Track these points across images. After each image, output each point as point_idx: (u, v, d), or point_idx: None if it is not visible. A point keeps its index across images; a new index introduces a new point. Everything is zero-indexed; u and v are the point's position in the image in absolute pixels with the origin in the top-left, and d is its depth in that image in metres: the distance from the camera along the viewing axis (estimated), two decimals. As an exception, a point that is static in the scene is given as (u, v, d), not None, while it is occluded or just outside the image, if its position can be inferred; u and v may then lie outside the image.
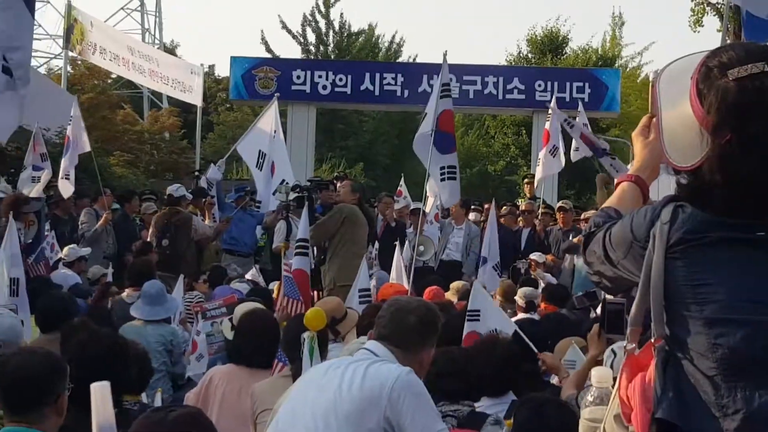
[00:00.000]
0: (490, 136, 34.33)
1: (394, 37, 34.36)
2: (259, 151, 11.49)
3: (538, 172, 13.06)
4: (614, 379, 2.17)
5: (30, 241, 8.99)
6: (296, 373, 4.17)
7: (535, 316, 7.13)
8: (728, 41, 12.03)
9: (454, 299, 8.07)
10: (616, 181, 2.37)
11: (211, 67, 38.59)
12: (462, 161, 9.07)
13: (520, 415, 3.55)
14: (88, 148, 12.03)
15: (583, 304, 6.46)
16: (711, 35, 24.99)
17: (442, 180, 8.82)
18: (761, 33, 9.27)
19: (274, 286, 8.28)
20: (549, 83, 19.97)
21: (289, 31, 32.27)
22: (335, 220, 8.85)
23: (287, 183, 10.87)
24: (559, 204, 12.62)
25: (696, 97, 1.94)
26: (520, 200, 14.56)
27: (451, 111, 8.78)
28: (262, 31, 49.79)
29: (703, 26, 23.65)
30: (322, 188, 10.23)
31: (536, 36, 33.53)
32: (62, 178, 11.42)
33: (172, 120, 29.23)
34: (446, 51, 8.94)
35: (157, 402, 5.13)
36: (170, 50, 38.06)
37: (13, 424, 3.16)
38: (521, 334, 5.15)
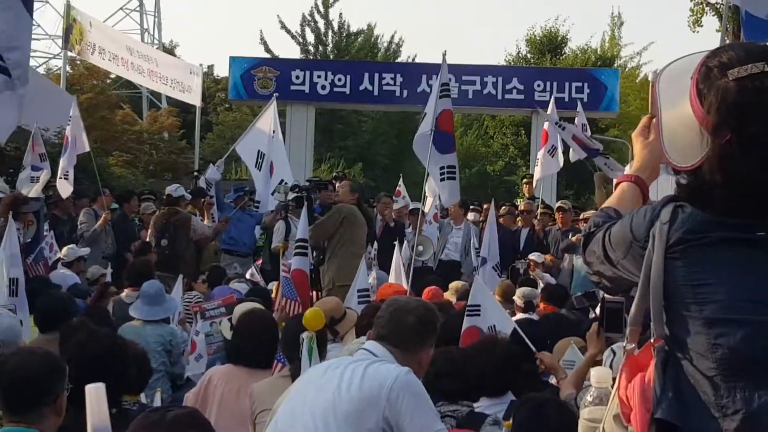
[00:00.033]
0: (489, 136, 34.34)
1: (393, 37, 34.41)
2: (258, 151, 11.49)
3: (537, 172, 13.07)
4: (613, 379, 2.17)
5: (29, 240, 8.99)
6: (295, 373, 4.17)
7: (534, 316, 7.12)
8: (727, 41, 12.04)
9: (453, 299, 8.06)
10: (615, 181, 2.37)
11: (210, 67, 38.70)
12: (461, 161, 9.09)
13: (520, 416, 3.55)
14: (87, 148, 12.03)
15: (583, 304, 6.47)
16: (710, 35, 25.02)
17: (442, 180, 8.81)
18: (760, 33, 9.27)
19: (273, 286, 8.28)
20: (548, 83, 19.98)
21: (288, 32, 32.28)
22: (334, 220, 8.84)
23: (286, 183, 10.87)
24: (558, 204, 12.63)
25: (696, 97, 1.94)
26: (518, 200, 14.56)
27: (450, 111, 8.77)
28: (261, 31, 50.06)
29: (702, 26, 23.67)
30: (321, 188, 10.23)
31: (535, 36, 33.55)
32: (61, 178, 11.42)
33: (171, 120, 29.25)
34: (445, 51, 8.94)
35: (157, 402, 5.12)
36: (169, 50, 38.07)
37: (12, 424, 3.15)
38: (520, 332, 5.15)
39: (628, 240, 2.04)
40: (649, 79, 24.31)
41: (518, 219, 12.38)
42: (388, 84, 20.46)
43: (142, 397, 4.74)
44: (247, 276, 9.83)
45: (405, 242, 10.94)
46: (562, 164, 13.02)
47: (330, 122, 29.65)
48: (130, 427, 2.65)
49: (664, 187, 2.40)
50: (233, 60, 21.01)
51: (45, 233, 10.11)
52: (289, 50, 41.08)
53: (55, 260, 9.85)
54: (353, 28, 33.09)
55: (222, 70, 39.74)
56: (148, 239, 10.71)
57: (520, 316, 7.34)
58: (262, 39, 32.79)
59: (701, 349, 1.90)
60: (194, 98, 24.40)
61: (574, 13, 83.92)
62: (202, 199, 12.00)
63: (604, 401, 2.19)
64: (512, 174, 31.79)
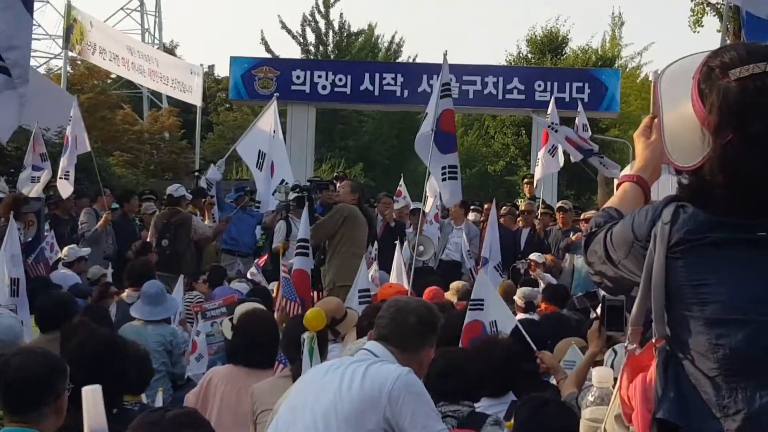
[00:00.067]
0: (489, 136, 34.33)
1: (393, 37, 34.39)
2: (259, 151, 11.49)
3: (537, 172, 13.06)
4: (615, 379, 2.17)
5: (29, 239, 8.99)
6: (296, 374, 4.17)
7: (535, 317, 7.12)
8: (728, 41, 12.03)
9: (454, 299, 8.06)
10: (617, 181, 2.37)
11: (211, 67, 38.71)
12: (462, 161, 9.09)
13: (521, 416, 3.55)
14: (88, 148, 12.04)
15: (584, 304, 6.46)
16: (711, 35, 25.01)
17: (444, 180, 8.81)
18: (761, 33, 9.25)
19: (273, 286, 8.28)
20: (549, 83, 19.96)
21: (289, 31, 32.27)
22: (335, 220, 8.84)
23: (287, 183, 10.87)
24: (559, 204, 12.62)
25: (698, 97, 1.94)
26: (519, 200, 14.55)
27: (451, 111, 8.77)
28: (261, 31, 49.89)
29: (702, 26, 23.64)
30: (322, 188, 10.24)
31: (536, 36, 33.52)
32: (61, 178, 11.42)
33: (172, 120, 29.25)
34: (446, 51, 8.92)
35: (158, 402, 5.13)
36: (170, 50, 38.07)
37: (12, 425, 3.15)
38: (521, 330, 5.15)
39: (630, 240, 2.04)
40: (650, 79, 24.27)
41: (519, 219, 12.36)
42: (388, 84, 20.45)
43: (144, 398, 4.74)
44: (248, 275, 9.83)
45: (406, 242, 10.93)
46: (562, 164, 13.01)
47: (331, 122, 29.64)
48: (129, 427, 2.65)
49: (664, 187, 2.40)
50: (234, 60, 21.01)
51: (46, 233, 10.12)
52: (290, 50, 41.05)
53: (55, 260, 9.85)
54: (354, 28, 33.12)
55: (223, 70, 39.77)
56: (148, 239, 10.71)
57: (520, 316, 7.33)
58: (262, 39, 32.78)
59: (702, 349, 1.90)
60: (195, 98, 24.41)
61: (574, 13, 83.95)
62: (203, 199, 12.00)
63: (605, 401, 2.19)
64: (513, 174, 31.77)
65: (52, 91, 19.62)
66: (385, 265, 9.74)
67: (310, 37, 32.47)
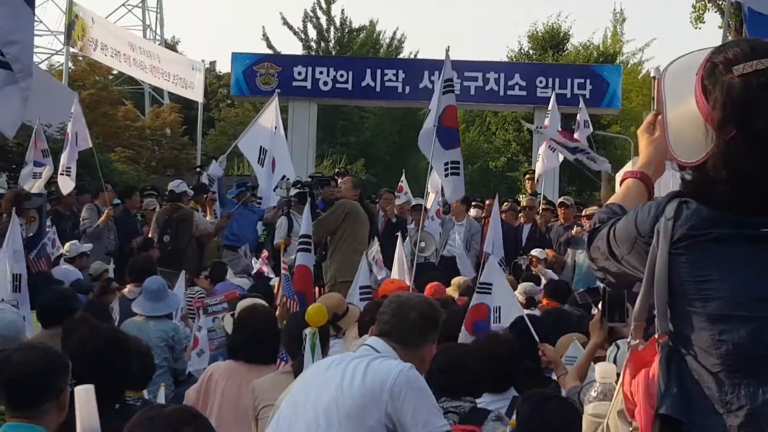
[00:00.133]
0: (491, 132, 34.34)
1: (395, 33, 34.48)
2: (260, 147, 11.48)
3: (538, 167, 13.06)
4: (618, 374, 2.16)
5: (31, 235, 8.99)
6: (298, 369, 4.17)
7: (536, 312, 7.12)
8: (729, 38, 12.01)
9: (455, 295, 8.06)
10: (620, 177, 2.36)
11: (212, 63, 38.68)
12: (463, 158, 9.07)
13: (523, 412, 3.55)
14: (90, 144, 12.02)
15: (585, 300, 6.45)
16: (712, 32, 24.97)
17: (446, 175, 8.80)
18: (763, 29, 9.23)
19: (275, 281, 8.28)
20: (550, 79, 19.98)
21: (291, 28, 32.31)
22: (336, 216, 8.84)
23: (288, 179, 10.87)
24: (560, 200, 12.62)
25: (701, 93, 1.94)
26: (521, 196, 14.55)
27: (454, 106, 8.75)
28: (263, 27, 49.96)
29: (704, 23, 23.59)
30: (324, 184, 10.24)
31: (537, 32, 33.52)
32: (62, 174, 11.41)
33: (173, 116, 29.26)
34: (449, 47, 8.90)
35: (161, 397, 5.13)
36: (171, 46, 38.07)
37: (14, 420, 3.15)
38: (527, 321, 5.15)
39: (633, 236, 2.04)
40: (651, 75, 24.27)
41: (520, 215, 12.36)
42: (390, 80, 20.46)
43: (146, 393, 4.75)
44: (254, 268, 9.83)
45: (407, 238, 10.93)
46: (561, 159, 13.01)
47: (332, 118, 29.65)
48: (128, 424, 2.65)
49: (666, 183, 2.39)
50: (235, 56, 21.02)
51: (47, 229, 10.12)
52: (291, 46, 41.23)
53: (57, 256, 9.85)
54: (355, 24, 33.15)
55: (224, 66, 39.81)
56: (150, 235, 10.71)
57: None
58: (264, 35, 32.80)
59: (705, 345, 1.90)
60: (196, 94, 24.42)
61: (576, 9, 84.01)
62: (205, 195, 12.00)
63: (608, 397, 2.19)
64: (514, 170, 31.78)
65: (53, 88, 19.63)
66: (387, 262, 9.74)
67: (312, 33, 32.53)
